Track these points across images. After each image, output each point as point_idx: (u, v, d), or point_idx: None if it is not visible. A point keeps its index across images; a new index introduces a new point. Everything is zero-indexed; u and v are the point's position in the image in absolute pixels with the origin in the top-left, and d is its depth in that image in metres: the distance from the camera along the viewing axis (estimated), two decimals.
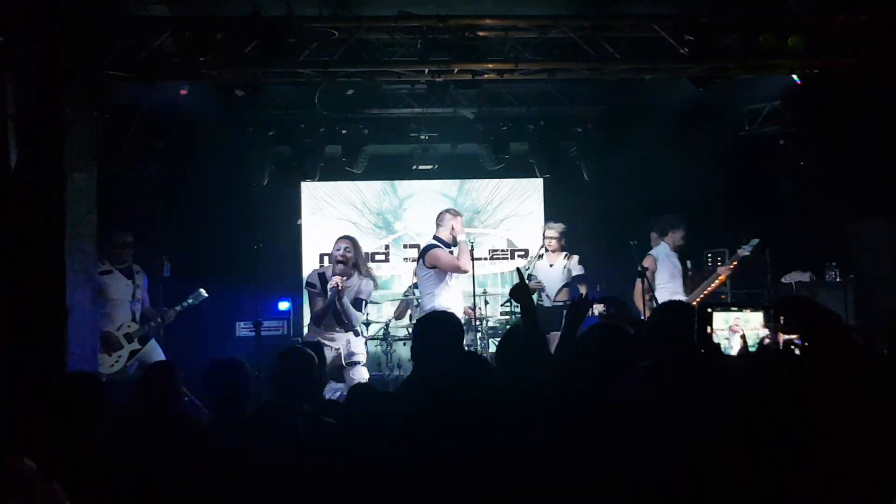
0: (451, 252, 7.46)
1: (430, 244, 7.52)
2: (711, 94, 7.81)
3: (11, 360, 5.77)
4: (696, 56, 6.63)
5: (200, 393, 5.60)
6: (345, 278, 6.99)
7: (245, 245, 8.03)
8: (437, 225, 7.65)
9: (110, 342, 7.20)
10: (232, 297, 8.51)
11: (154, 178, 9.13)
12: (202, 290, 7.76)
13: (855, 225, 7.44)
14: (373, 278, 7.32)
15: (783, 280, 9.12)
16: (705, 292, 7.83)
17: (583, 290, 7.59)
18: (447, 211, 7.75)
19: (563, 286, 8.24)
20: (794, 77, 7.42)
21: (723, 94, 8.39)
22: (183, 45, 6.39)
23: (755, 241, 7.81)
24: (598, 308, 4.27)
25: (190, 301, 7.72)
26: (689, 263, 8.13)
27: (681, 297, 7.69)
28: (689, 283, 7.98)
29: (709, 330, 3.52)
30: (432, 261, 7.35)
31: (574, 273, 8.31)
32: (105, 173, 6.96)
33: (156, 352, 7.50)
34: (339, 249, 7.03)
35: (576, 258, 8.34)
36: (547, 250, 8.41)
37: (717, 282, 7.84)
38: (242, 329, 8.89)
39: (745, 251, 7.78)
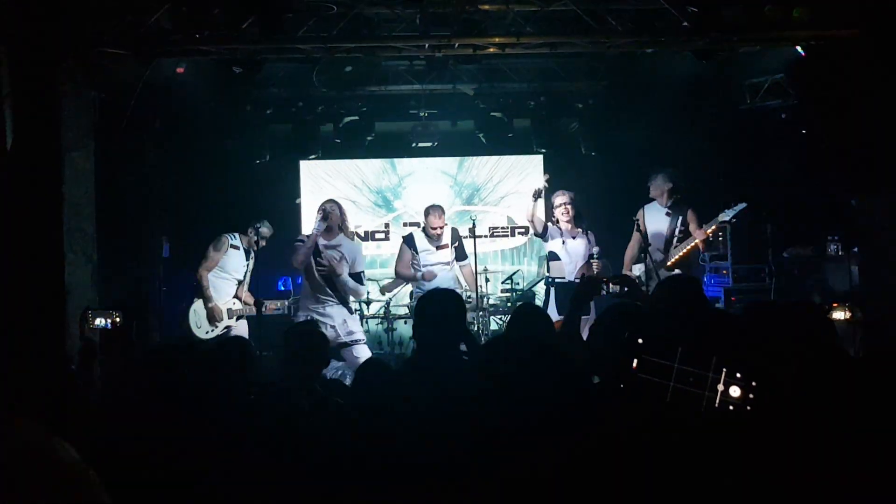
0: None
1: None
2: (712, 69, 7.73)
3: (10, 341, 5.74)
4: (699, 28, 6.57)
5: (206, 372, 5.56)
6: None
7: (244, 224, 7.96)
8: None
9: (214, 313, 7.56)
10: None
11: (151, 157, 9.05)
12: (296, 299, 7.95)
13: (859, 199, 7.40)
14: (355, 241, 7.41)
15: (784, 254, 9.09)
16: (678, 256, 7.50)
17: (596, 267, 7.37)
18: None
19: (584, 263, 7.70)
20: (799, 49, 7.35)
21: (723, 69, 8.32)
22: (180, 21, 6.32)
23: (741, 206, 7.35)
24: (611, 287, 4.17)
25: (287, 302, 7.94)
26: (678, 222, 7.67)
27: (658, 256, 7.54)
28: (675, 246, 7.62)
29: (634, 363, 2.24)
30: None
31: (592, 250, 7.83)
32: (103, 152, 6.91)
33: (243, 330, 7.73)
34: (323, 209, 7.06)
35: (592, 236, 7.90)
36: (557, 221, 7.86)
37: (690, 246, 7.47)
38: None
39: (726, 216, 7.35)
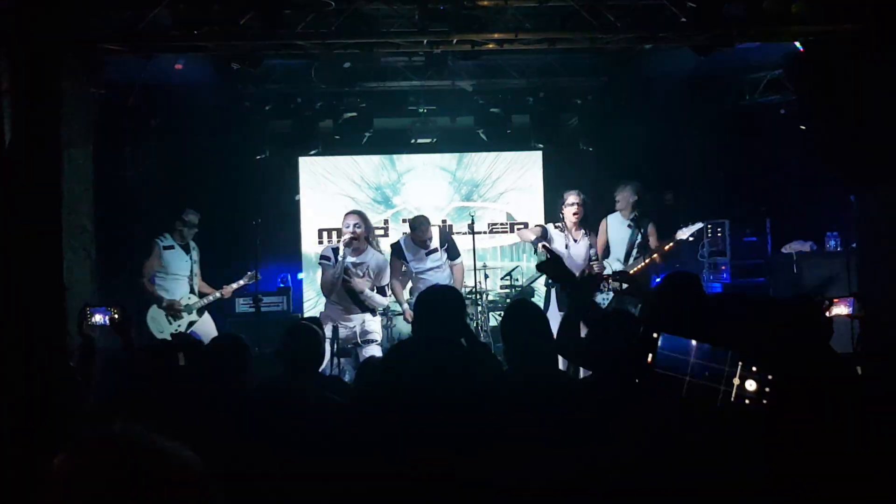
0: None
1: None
2: (711, 65, 7.70)
3: (10, 339, 5.73)
4: (698, 23, 6.55)
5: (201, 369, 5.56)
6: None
7: (243, 221, 7.95)
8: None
9: (173, 310, 7.70)
10: (231, 272, 8.45)
11: (150, 154, 9.04)
12: (255, 273, 8.10)
13: (858, 194, 7.39)
14: (381, 252, 7.30)
15: (783, 250, 9.09)
16: (637, 268, 7.42)
17: (598, 270, 7.33)
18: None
19: (586, 267, 7.51)
20: (797, 44, 7.33)
21: (723, 64, 8.31)
22: (179, 16, 6.30)
23: (698, 226, 7.49)
24: (610, 284, 4.11)
25: (243, 282, 8.05)
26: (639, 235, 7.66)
27: (617, 266, 7.56)
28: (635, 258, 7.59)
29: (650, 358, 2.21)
30: None
31: (590, 252, 7.71)
32: (102, 150, 6.90)
33: (208, 324, 7.90)
34: (348, 227, 6.81)
35: (595, 237, 7.72)
36: (563, 221, 7.62)
37: (648, 259, 7.41)
38: (242, 305, 8.85)
39: (683, 234, 7.38)
